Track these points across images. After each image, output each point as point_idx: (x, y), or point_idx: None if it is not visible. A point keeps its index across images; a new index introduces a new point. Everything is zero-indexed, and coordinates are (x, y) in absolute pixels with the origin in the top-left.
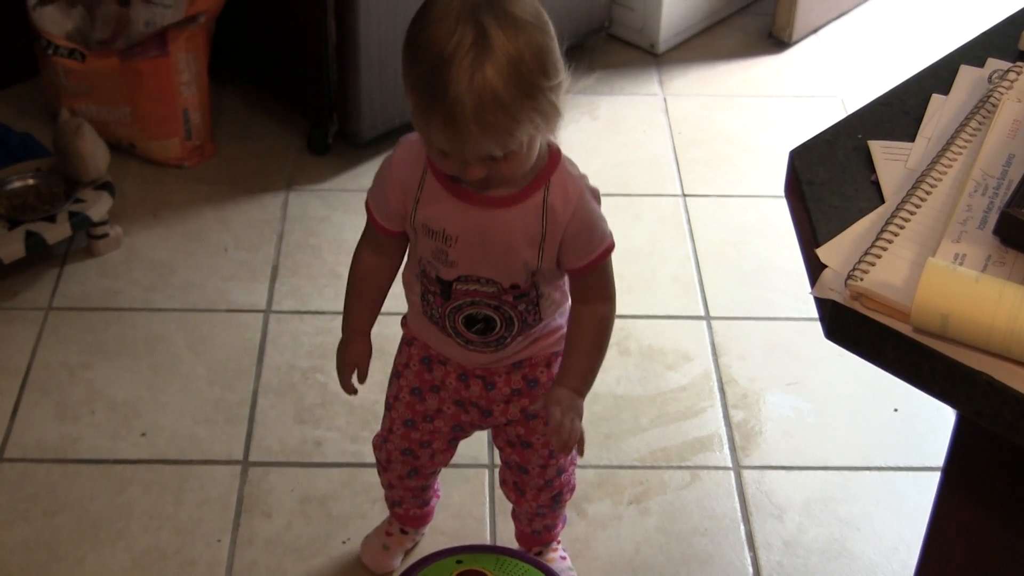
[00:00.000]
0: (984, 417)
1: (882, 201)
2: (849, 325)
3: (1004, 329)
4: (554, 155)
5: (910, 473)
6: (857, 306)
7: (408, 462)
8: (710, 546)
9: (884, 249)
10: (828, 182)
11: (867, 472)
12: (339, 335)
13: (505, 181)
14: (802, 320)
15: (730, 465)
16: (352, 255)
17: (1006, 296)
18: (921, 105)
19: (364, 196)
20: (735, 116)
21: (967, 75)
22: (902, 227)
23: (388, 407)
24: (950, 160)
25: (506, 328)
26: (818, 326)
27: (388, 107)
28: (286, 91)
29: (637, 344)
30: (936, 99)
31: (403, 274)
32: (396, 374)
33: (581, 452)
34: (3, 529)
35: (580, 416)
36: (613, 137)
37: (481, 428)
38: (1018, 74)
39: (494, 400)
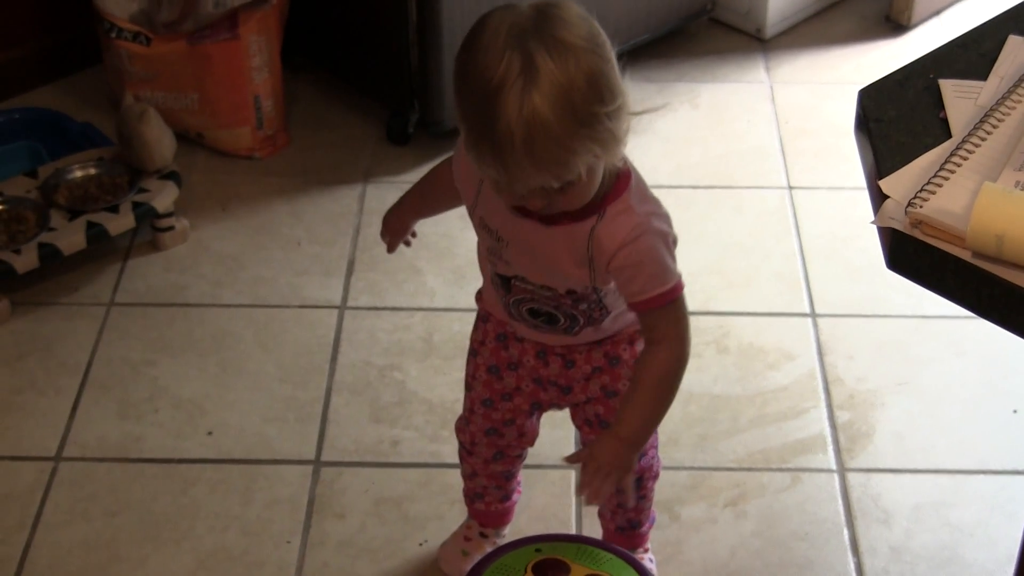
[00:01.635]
0: None
1: (949, 137)
2: (910, 254)
3: None
4: (621, 182)
5: None
6: (917, 233)
7: (493, 443)
8: (811, 551)
9: (946, 179)
10: (896, 119)
11: (982, 476)
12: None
13: (567, 208)
14: (915, 318)
15: (834, 468)
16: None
17: None
18: (998, 46)
19: None
20: (847, 104)
21: None
22: (966, 158)
23: (467, 388)
24: (1020, 96)
25: (570, 323)
26: (932, 324)
27: None
28: (364, 77)
29: (736, 342)
30: (1013, 40)
31: (477, 245)
32: (472, 352)
33: (627, 502)
34: (62, 528)
35: (628, 470)
36: (715, 127)
37: (559, 407)
38: None
39: (574, 378)
